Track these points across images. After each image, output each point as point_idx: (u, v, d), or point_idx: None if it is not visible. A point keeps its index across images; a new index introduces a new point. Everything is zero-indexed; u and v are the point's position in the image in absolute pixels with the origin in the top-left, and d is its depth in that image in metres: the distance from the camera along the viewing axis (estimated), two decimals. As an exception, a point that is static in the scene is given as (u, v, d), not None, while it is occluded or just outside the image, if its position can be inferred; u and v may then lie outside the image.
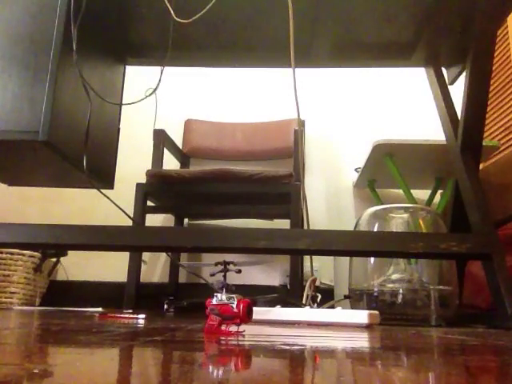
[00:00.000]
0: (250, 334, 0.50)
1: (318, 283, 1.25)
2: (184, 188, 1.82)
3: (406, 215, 1.45)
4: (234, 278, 2.14)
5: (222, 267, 0.60)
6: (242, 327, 0.50)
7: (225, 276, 0.57)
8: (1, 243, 1.18)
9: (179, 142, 2.37)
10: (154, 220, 2.25)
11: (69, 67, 1.18)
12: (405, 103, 2.47)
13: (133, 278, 1.75)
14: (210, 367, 0.29)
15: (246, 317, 0.50)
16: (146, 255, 2.23)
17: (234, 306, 0.50)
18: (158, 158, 1.95)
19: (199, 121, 2.45)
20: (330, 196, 2.39)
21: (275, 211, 1.96)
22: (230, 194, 1.85)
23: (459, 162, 1.29)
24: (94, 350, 0.37)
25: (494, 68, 2.22)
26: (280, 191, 1.80)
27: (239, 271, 0.60)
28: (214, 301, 0.51)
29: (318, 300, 1.19)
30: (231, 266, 0.60)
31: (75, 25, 1.15)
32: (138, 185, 1.83)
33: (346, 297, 1.42)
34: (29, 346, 0.39)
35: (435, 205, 2.07)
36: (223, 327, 0.48)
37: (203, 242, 1.12)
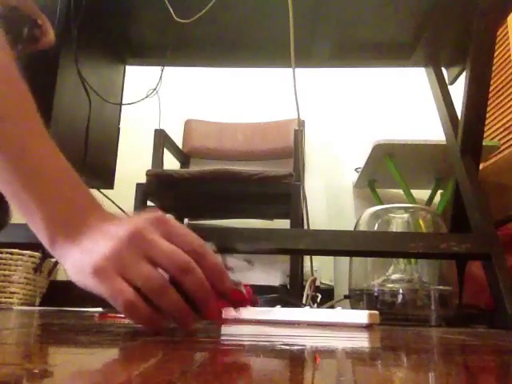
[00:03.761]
0: (250, 333, 0.50)
1: (317, 283, 1.25)
2: (184, 188, 1.81)
3: (406, 215, 1.45)
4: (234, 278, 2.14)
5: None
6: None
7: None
8: (1, 243, 1.17)
9: (179, 142, 2.36)
10: (153, 220, 2.24)
11: (69, 67, 1.18)
12: (405, 103, 2.47)
13: (133, 278, 1.74)
14: (210, 367, 0.29)
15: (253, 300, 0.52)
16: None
17: (244, 290, 0.51)
18: (158, 158, 1.95)
19: (199, 121, 2.45)
20: (330, 196, 2.39)
21: (275, 211, 1.96)
22: (230, 194, 1.85)
23: (459, 162, 1.29)
24: (94, 349, 0.37)
25: (494, 68, 2.22)
26: (280, 191, 1.79)
27: (251, 263, 0.61)
28: None
29: (318, 300, 1.19)
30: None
31: (75, 25, 1.15)
32: (138, 185, 1.83)
33: (345, 297, 1.42)
34: (29, 346, 0.39)
35: (435, 205, 2.07)
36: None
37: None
